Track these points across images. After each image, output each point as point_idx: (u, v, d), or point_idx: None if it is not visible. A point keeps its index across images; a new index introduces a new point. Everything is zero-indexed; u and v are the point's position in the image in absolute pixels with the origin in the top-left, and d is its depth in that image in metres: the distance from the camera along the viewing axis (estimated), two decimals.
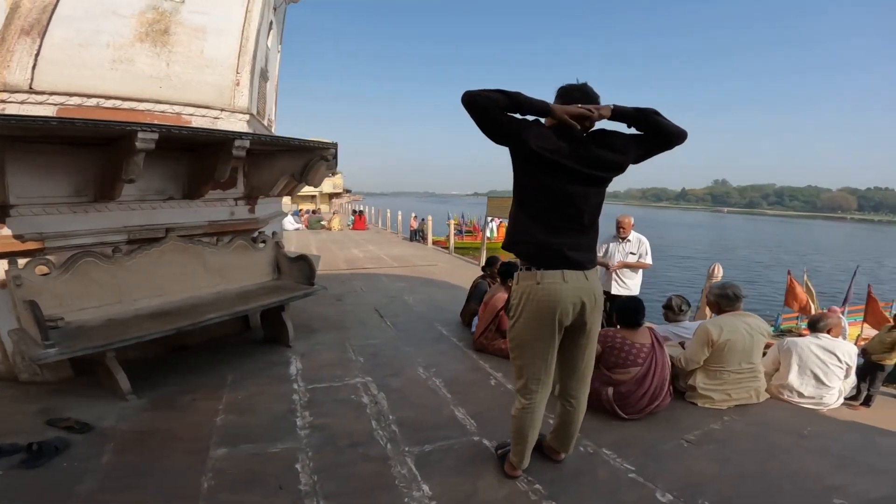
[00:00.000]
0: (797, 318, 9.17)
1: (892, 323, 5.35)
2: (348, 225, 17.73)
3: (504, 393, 2.95)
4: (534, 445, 1.95)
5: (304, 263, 3.86)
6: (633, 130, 1.76)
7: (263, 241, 3.95)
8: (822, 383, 3.25)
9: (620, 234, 4.54)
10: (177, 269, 3.29)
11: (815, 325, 3.44)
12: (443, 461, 2.14)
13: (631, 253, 4.54)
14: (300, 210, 20.21)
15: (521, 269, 1.78)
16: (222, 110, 4.08)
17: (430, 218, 14.54)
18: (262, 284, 3.82)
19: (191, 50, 4.03)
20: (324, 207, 28.46)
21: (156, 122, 3.64)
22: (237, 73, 4.26)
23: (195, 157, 3.35)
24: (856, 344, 7.87)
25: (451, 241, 13.81)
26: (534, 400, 1.83)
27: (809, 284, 8.76)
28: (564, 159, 1.64)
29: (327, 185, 29.98)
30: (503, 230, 23.30)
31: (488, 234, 22.83)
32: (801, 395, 3.28)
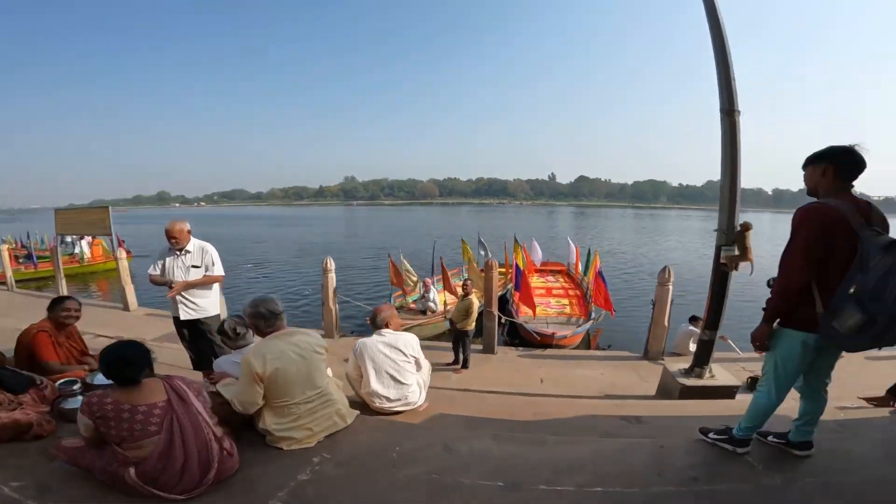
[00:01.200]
0: (402, 295, 10.64)
1: (462, 293, 6.36)
2: None
3: None
4: None
5: None
6: None
7: None
8: (401, 382, 3.20)
9: (175, 246, 3.72)
10: None
11: (374, 323, 3.33)
12: None
13: (194, 266, 3.78)
14: None
15: None
16: None
17: None
18: None
19: None
20: None
21: None
22: None
23: None
24: (445, 309, 9.82)
25: (8, 272, 10.27)
26: None
27: (406, 263, 10.20)
28: None
29: None
30: (99, 249, 18.06)
31: (77, 252, 17.15)
32: (388, 399, 3.19)
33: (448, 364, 6.28)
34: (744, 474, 2.10)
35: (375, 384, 3.16)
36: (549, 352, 7.08)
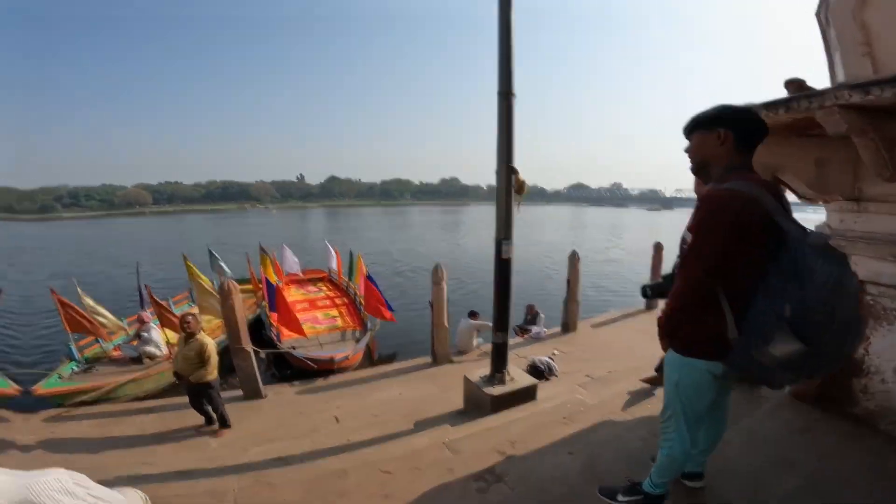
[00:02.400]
0: (97, 339, 7.29)
1: (183, 333, 4.36)
2: None
3: None
4: None
5: None
6: None
7: None
8: None
9: None
10: None
11: None
12: None
13: None
14: None
15: None
16: None
17: None
18: None
19: None
20: None
21: None
22: None
23: None
24: (171, 351, 7.01)
25: None
26: None
27: (89, 299, 7.02)
28: None
29: None
30: None
31: None
32: None
33: (199, 427, 4.41)
34: None
35: None
36: (332, 379, 5.84)
